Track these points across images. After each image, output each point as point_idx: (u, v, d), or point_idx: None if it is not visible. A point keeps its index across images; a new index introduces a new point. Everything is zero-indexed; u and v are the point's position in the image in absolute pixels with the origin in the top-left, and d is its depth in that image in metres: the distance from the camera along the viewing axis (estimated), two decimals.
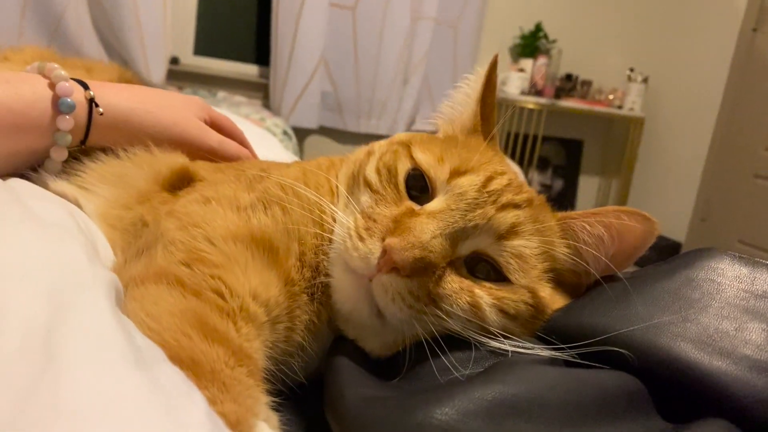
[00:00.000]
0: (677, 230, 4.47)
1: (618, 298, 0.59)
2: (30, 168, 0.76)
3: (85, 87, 0.76)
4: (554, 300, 0.64)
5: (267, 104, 4.18)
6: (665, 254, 0.66)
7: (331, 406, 0.55)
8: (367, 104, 4.28)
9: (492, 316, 0.61)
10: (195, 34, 4.22)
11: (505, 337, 0.60)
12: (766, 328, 0.53)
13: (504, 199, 0.64)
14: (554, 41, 4.63)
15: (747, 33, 4.18)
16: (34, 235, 0.48)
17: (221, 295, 0.56)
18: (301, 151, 3.98)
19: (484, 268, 0.63)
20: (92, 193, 0.76)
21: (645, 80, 4.72)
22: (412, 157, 0.69)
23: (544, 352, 0.58)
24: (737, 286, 0.57)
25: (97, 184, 0.77)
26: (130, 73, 1.27)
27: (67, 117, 0.73)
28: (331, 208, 0.68)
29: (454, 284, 0.61)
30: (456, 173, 0.66)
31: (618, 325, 0.55)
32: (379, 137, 0.81)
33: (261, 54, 4.32)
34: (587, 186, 5.26)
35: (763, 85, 4.04)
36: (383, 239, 0.60)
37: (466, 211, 0.63)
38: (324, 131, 4.33)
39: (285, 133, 3.35)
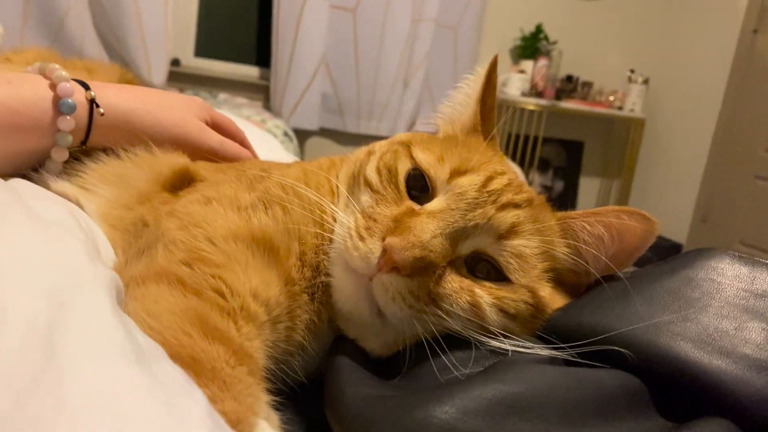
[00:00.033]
0: (678, 231, 4.47)
1: (618, 298, 0.59)
2: (31, 168, 0.76)
3: (86, 87, 0.77)
4: (554, 299, 0.64)
5: (268, 106, 4.18)
6: (666, 255, 0.66)
7: (332, 405, 0.56)
8: (368, 106, 4.28)
9: (492, 315, 0.61)
10: (196, 35, 4.22)
11: (506, 337, 0.60)
12: (766, 327, 0.53)
13: (504, 199, 0.64)
14: (555, 43, 4.63)
15: (747, 34, 4.18)
16: (35, 234, 0.48)
17: (222, 295, 0.56)
18: (301, 152, 3.98)
19: (485, 267, 0.63)
20: (93, 193, 0.76)
21: (645, 81, 4.72)
22: (412, 157, 0.69)
23: (544, 351, 0.58)
24: (737, 285, 0.57)
25: (98, 185, 0.77)
26: (131, 75, 1.27)
27: (68, 117, 0.73)
28: (332, 208, 0.68)
29: (455, 284, 0.61)
30: (456, 173, 0.66)
31: (618, 324, 0.55)
32: (379, 139, 0.82)
33: (262, 56, 4.33)
34: (588, 187, 5.26)
35: (763, 86, 4.04)
36: (383, 239, 0.60)
37: (467, 210, 0.63)
38: (325, 133, 4.33)
39: (286, 134, 3.36)
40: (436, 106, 0.83)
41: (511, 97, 4.47)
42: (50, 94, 0.73)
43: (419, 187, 0.68)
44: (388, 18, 4.11)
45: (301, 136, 4.10)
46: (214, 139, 0.91)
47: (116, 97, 0.80)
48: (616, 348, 0.53)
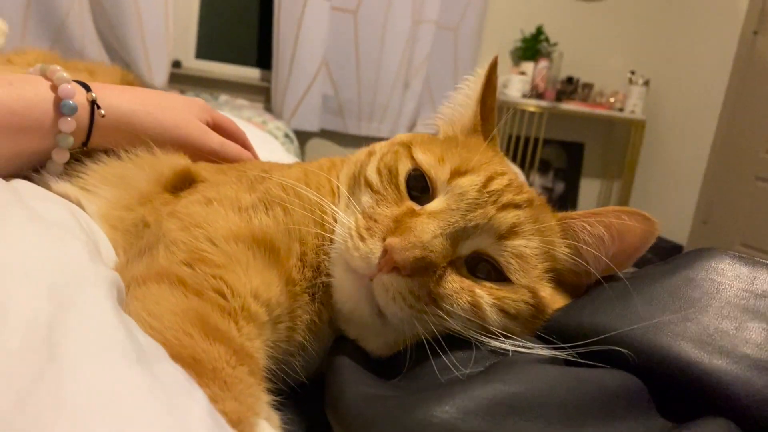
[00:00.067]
0: (679, 233, 4.47)
1: (618, 298, 0.59)
2: (32, 169, 0.76)
3: (87, 89, 0.77)
4: (555, 300, 0.64)
5: (269, 107, 4.19)
6: (667, 257, 0.66)
7: (332, 405, 0.56)
8: (369, 107, 4.29)
9: (492, 315, 0.61)
10: (197, 37, 4.23)
11: (506, 337, 0.60)
12: (766, 327, 0.53)
13: (504, 199, 0.65)
14: (555, 44, 4.63)
15: (748, 36, 4.18)
16: (36, 234, 0.49)
17: (223, 295, 0.56)
18: (302, 154, 3.98)
19: (485, 267, 0.64)
20: (94, 194, 0.76)
21: (646, 83, 4.72)
22: (412, 158, 0.70)
23: (544, 351, 0.58)
24: (737, 285, 0.57)
25: (99, 186, 0.77)
26: (132, 76, 1.27)
27: (69, 119, 0.73)
28: (332, 209, 0.68)
29: (455, 284, 0.61)
30: (456, 173, 0.66)
31: (618, 324, 0.55)
32: (380, 140, 0.82)
33: (263, 57, 4.33)
34: (588, 189, 5.26)
35: (764, 88, 4.04)
36: (384, 239, 0.60)
37: (467, 211, 0.63)
38: (325, 134, 4.33)
39: (287, 136, 3.36)
40: (437, 107, 0.83)
41: (511, 98, 4.47)
42: (51, 95, 0.73)
43: (420, 187, 0.68)
44: (388, 19, 4.11)
45: (302, 137, 4.10)
46: (215, 140, 0.91)
47: (117, 99, 0.80)
48: (617, 348, 0.53)
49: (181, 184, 0.77)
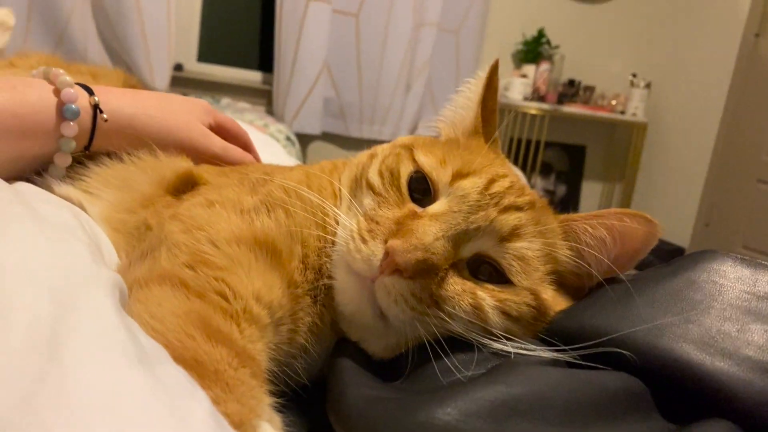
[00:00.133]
0: (681, 235, 4.46)
1: (620, 300, 0.59)
2: (35, 172, 0.76)
3: (90, 92, 0.77)
4: (556, 302, 0.65)
5: (270, 110, 4.19)
6: (668, 259, 0.66)
7: (334, 407, 0.56)
8: (370, 110, 4.29)
9: (494, 317, 0.61)
10: (199, 40, 4.24)
11: (508, 339, 0.60)
12: None
13: (506, 202, 0.65)
14: (557, 47, 4.63)
15: (750, 38, 4.18)
16: (39, 236, 0.49)
17: (225, 297, 0.56)
18: (304, 157, 3.98)
19: (487, 270, 0.64)
20: (96, 197, 0.76)
21: (648, 85, 4.72)
22: (414, 160, 0.70)
23: (546, 353, 0.58)
24: (739, 287, 0.57)
25: (102, 188, 0.77)
26: (134, 79, 1.27)
27: (72, 123, 0.73)
28: (334, 211, 0.69)
29: (457, 286, 0.61)
30: (458, 175, 0.66)
31: (620, 326, 0.55)
32: (381, 143, 0.82)
33: (264, 60, 4.33)
34: (590, 192, 5.25)
35: (765, 91, 4.04)
36: (386, 241, 0.61)
37: (469, 213, 0.63)
38: (327, 137, 4.33)
39: (288, 139, 3.36)
40: (438, 109, 0.84)
41: (513, 101, 4.47)
42: (54, 99, 0.73)
43: (421, 189, 0.68)
44: (390, 22, 4.11)
45: (304, 140, 4.11)
46: (217, 144, 0.91)
47: (120, 102, 0.80)
48: (619, 350, 0.53)
49: (184, 186, 0.77)
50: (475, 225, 0.62)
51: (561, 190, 5.10)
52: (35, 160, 0.75)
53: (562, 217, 0.70)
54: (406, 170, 0.69)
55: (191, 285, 0.56)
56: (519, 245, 0.63)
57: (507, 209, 0.64)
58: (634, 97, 4.71)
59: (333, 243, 0.67)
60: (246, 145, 1.03)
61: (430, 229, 0.61)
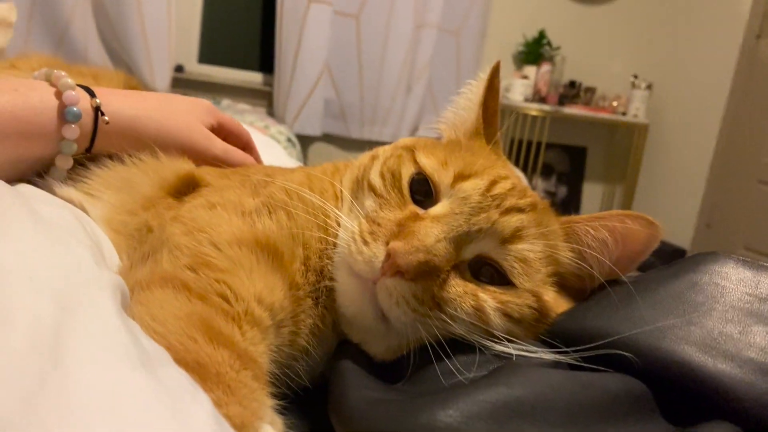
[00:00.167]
0: (682, 236, 4.46)
1: (622, 302, 0.59)
2: (36, 174, 0.76)
3: (92, 94, 0.77)
4: (558, 304, 0.64)
5: (271, 112, 4.20)
6: (670, 260, 0.66)
7: (336, 409, 0.56)
8: (371, 111, 4.29)
9: (496, 319, 0.61)
10: (199, 42, 4.24)
11: (510, 341, 0.60)
12: None
13: (508, 203, 0.65)
14: (558, 48, 4.64)
15: (751, 40, 4.18)
16: (41, 238, 0.49)
17: (226, 299, 0.56)
18: (305, 158, 3.99)
19: (488, 271, 0.64)
20: (98, 198, 0.76)
21: (649, 87, 4.72)
22: (416, 162, 0.70)
23: (548, 355, 0.58)
24: (741, 289, 0.57)
25: (103, 190, 0.77)
26: (135, 81, 1.27)
27: (73, 126, 0.73)
28: (336, 213, 0.69)
29: (458, 288, 0.61)
30: (460, 177, 0.66)
31: (622, 328, 0.55)
32: (382, 144, 0.82)
33: (265, 62, 4.34)
34: (591, 193, 5.25)
35: (766, 92, 4.04)
36: (387, 243, 0.60)
37: (470, 215, 0.63)
38: (328, 138, 4.34)
39: (289, 140, 3.37)
40: (439, 111, 0.84)
41: (514, 102, 4.47)
42: (56, 102, 0.73)
43: (423, 191, 0.68)
44: (391, 23, 4.12)
45: (305, 141, 4.11)
46: (219, 146, 0.91)
47: (121, 104, 0.80)
48: (620, 352, 0.53)
49: (185, 188, 0.77)
50: (476, 227, 0.62)
51: (562, 191, 5.10)
52: (36, 162, 0.75)
53: (564, 218, 0.70)
54: (407, 172, 0.69)
55: (193, 287, 0.56)
56: (521, 247, 0.63)
57: (509, 211, 0.64)
58: (635, 98, 4.71)
59: (334, 245, 0.67)
60: (248, 145, 1.03)
61: (432, 230, 0.61)
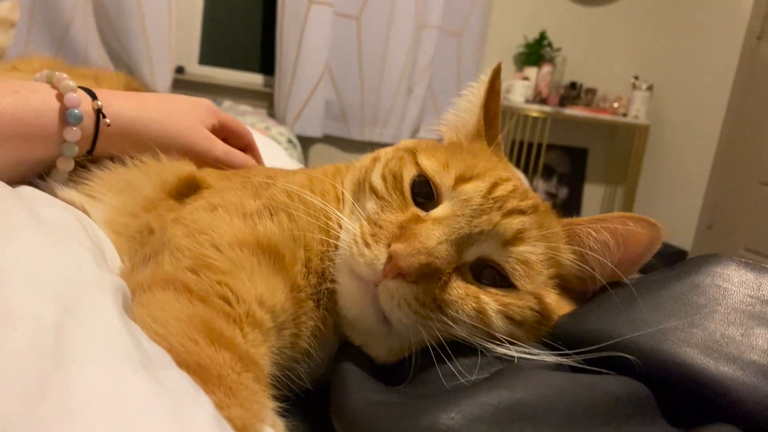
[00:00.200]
0: (683, 238, 4.46)
1: (624, 304, 0.59)
2: (37, 176, 0.76)
3: (93, 96, 0.77)
4: (560, 306, 0.64)
5: (272, 113, 4.20)
6: (671, 262, 0.66)
7: (337, 411, 0.56)
8: (372, 112, 4.29)
9: (498, 322, 0.61)
10: (200, 43, 4.25)
11: (511, 343, 0.60)
12: None
13: (509, 205, 0.64)
14: (558, 49, 4.64)
15: (751, 41, 4.18)
16: (43, 239, 0.49)
17: (228, 301, 0.56)
18: (306, 159, 3.99)
19: (490, 274, 0.63)
20: (99, 200, 0.76)
21: (649, 88, 4.72)
22: (417, 164, 0.70)
23: (550, 357, 0.58)
24: (743, 291, 0.57)
25: (104, 192, 0.77)
26: (136, 83, 1.27)
27: (74, 128, 0.73)
28: (337, 215, 0.69)
29: (460, 290, 0.61)
30: (461, 179, 0.66)
31: (624, 330, 0.55)
32: (383, 145, 0.82)
33: (266, 63, 4.35)
34: (592, 194, 5.25)
35: (767, 93, 4.03)
36: (389, 245, 0.60)
37: (472, 217, 0.63)
38: (328, 140, 4.34)
39: (290, 141, 3.37)
40: (440, 112, 0.84)
41: (514, 104, 4.47)
42: (57, 104, 0.73)
43: (424, 193, 0.68)
44: (391, 25, 4.12)
45: (305, 143, 4.11)
46: (220, 148, 0.91)
47: (123, 106, 0.80)
48: (623, 354, 0.53)
49: (186, 190, 0.77)
50: (478, 229, 0.62)
51: (563, 192, 5.11)
52: (38, 164, 0.75)
53: (566, 220, 0.70)
54: (409, 174, 0.69)
55: (194, 289, 0.56)
56: (522, 249, 0.63)
57: (510, 213, 0.64)
58: (636, 99, 4.72)
59: (336, 247, 0.67)
60: (250, 145, 1.03)
61: (434, 233, 0.61)
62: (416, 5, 4.12)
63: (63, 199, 0.74)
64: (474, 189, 0.65)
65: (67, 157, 0.75)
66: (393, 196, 0.68)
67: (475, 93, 0.79)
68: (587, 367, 0.55)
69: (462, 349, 0.60)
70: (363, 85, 4.23)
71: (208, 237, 0.62)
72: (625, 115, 4.77)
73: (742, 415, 0.48)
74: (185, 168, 0.81)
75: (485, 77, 0.77)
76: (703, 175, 4.49)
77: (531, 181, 4.52)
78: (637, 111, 4.72)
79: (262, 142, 1.60)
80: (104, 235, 0.71)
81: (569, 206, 5.02)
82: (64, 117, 0.72)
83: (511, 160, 4.24)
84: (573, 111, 4.63)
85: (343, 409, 0.54)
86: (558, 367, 0.57)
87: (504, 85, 4.35)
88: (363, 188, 0.71)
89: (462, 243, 0.62)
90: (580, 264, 0.66)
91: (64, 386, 0.35)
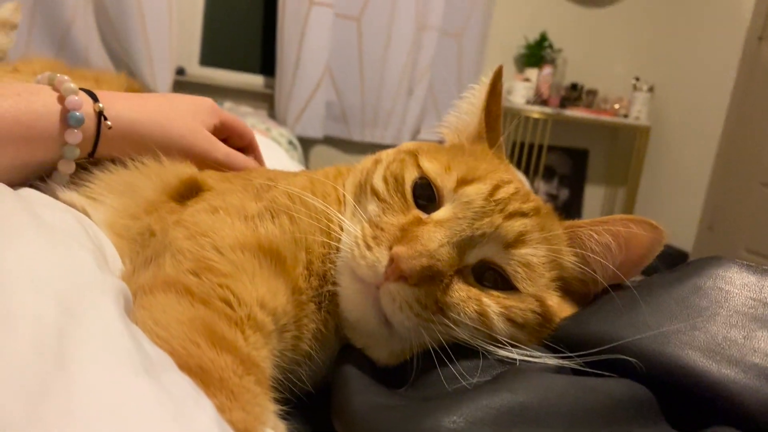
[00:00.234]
0: (684, 239, 4.46)
1: (626, 307, 0.59)
2: (38, 178, 0.76)
3: (95, 98, 0.77)
4: (562, 308, 0.64)
5: (272, 114, 4.20)
6: (672, 263, 0.66)
7: (339, 414, 0.56)
8: (372, 113, 4.29)
9: (500, 324, 0.61)
10: (201, 44, 4.25)
11: (513, 346, 0.60)
12: None
13: (511, 208, 0.64)
14: (559, 50, 4.64)
15: (753, 42, 4.18)
16: (44, 242, 0.49)
17: (229, 304, 0.56)
18: (306, 160, 3.99)
19: (492, 276, 0.63)
20: (100, 202, 0.76)
21: (650, 89, 4.72)
22: (419, 166, 0.70)
23: (551, 360, 0.58)
24: (745, 294, 0.57)
25: (106, 194, 0.77)
26: (137, 85, 1.27)
27: (76, 131, 0.73)
28: (339, 217, 0.68)
29: (462, 293, 0.61)
30: (463, 182, 0.66)
31: (626, 333, 0.55)
32: (384, 147, 0.82)
33: (266, 64, 4.35)
34: (593, 195, 5.25)
35: None
36: (390, 248, 0.60)
37: (474, 219, 0.63)
38: (329, 141, 4.34)
39: (290, 143, 3.37)
40: (441, 113, 0.84)
41: (515, 105, 4.47)
42: (59, 107, 0.73)
43: (426, 196, 0.68)
44: (392, 26, 4.12)
45: (306, 144, 4.11)
46: (221, 150, 0.91)
47: (124, 108, 0.80)
48: (625, 357, 0.53)
49: (188, 192, 0.77)
50: (480, 231, 0.62)
51: (564, 194, 5.10)
52: (39, 166, 0.75)
53: (567, 223, 0.69)
54: (410, 176, 0.69)
55: (195, 292, 0.56)
56: (524, 252, 0.63)
57: (512, 215, 0.64)
58: (637, 100, 4.72)
59: (337, 249, 0.67)
60: (251, 144, 1.03)
61: (435, 235, 0.60)
62: (417, 6, 4.12)
63: (64, 201, 0.74)
64: (476, 191, 0.65)
65: (69, 159, 0.75)
66: (394, 199, 0.68)
67: (476, 95, 0.79)
68: (589, 370, 0.55)
69: (464, 351, 0.60)
70: (363, 87, 4.23)
71: (210, 239, 0.62)
72: (626, 116, 4.77)
73: (744, 417, 0.48)
74: (186, 170, 0.81)
75: (486, 79, 0.77)
76: (704, 176, 4.49)
77: (532, 182, 4.52)
78: (638, 112, 4.72)
79: (262, 144, 1.60)
80: (105, 237, 0.71)
81: (570, 207, 5.02)
82: (66, 119, 0.72)
83: (511, 161, 4.23)
84: (574, 112, 4.63)
85: (345, 411, 0.54)
86: (560, 369, 0.57)
87: (505, 87, 4.32)
88: (364, 190, 0.71)
89: (464, 245, 0.62)
90: (582, 266, 0.66)
91: (66, 388, 0.35)
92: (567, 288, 0.66)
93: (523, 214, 0.65)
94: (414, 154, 0.72)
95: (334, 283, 0.66)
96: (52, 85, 0.75)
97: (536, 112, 4.46)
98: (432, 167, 0.68)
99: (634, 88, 4.74)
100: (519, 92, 4.52)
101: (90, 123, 0.75)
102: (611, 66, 4.95)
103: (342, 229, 0.68)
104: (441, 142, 0.83)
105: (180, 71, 4.03)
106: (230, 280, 0.58)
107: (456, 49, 4.42)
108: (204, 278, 0.58)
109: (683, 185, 4.71)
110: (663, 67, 4.85)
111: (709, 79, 4.52)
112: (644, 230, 0.63)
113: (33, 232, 0.50)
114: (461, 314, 0.60)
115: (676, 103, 4.81)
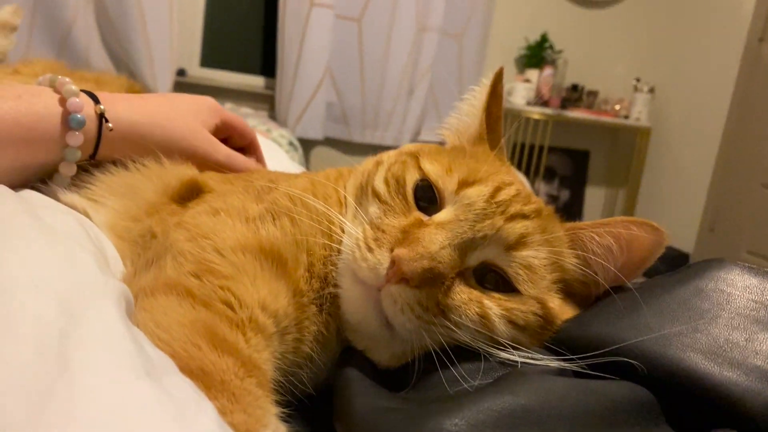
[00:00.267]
0: (685, 240, 4.45)
1: (627, 309, 0.59)
2: (40, 180, 0.76)
3: (96, 100, 0.77)
4: (563, 311, 0.64)
5: (273, 115, 4.20)
6: (673, 265, 0.66)
7: (340, 416, 0.56)
8: (373, 115, 4.30)
9: (501, 326, 0.61)
10: (201, 45, 4.26)
11: (515, 348, 0.59)
12: None
13: (512, 210, 0.64)
14: (560, 51, 4.64)
15: (753, 43, 4.18)
16: (46, 245, 0.49)
17: (230, 306, 0.56)
18: (307, 162, 3.99)
19: (493, 278, 0.63)
20: (101, 204, 0.76)
21: (651, 90, 4.72)
22: (420, 168, 0.70)
23: (553, 362, 0.58)
24: (747, 296, 0.57)
25: (107, 196, 0.77)
26: (138, 87, 1.27)
27: (77, 133, 0.73)
28: (340, 219, 0.68)
29: (463, 295, 0.61)
30: (464, 184, 0.66)
31: (627, 335, 0.55)
32: (384, 148, 0.82)
33: (267, 65, 4.35)
34: (594, 197, 5.25)
35: None
36: (392, 250, 0.60)
37: (475, 221, 0.63)
38: (330, 142, 4.34)
39: (291, 144, 3.37)
40: (441, 114, 0.84)
41: (516, 106, 4.47)
42: (60, 109, 0.72)
43: (427, 198, 0.68)
44: (392, 27, 4.13)
45: (306, 145, 4.11)
46: (222, 152, 0.90)
47: (125, 110, 0.79)
48: (626, 359, 0.53)
49: (189, 194, 0.77)
50: (481, 233, 0.62)
51: (564, 195, 5.10)
52: (40, 168, 0.74)
53: (569, 225, 0.69)
54: (411, 178, 0.69)
55: (197, 294, 0.56)
56: (525, 254, 0.63)
57: (513, 217, 0.64)
58: (638, 101, 4.72)
59: (339, 251, 0.67)
60: (252, 144, 1.03)
61: (436, 237, 0.60)
62: (417, 7, 4.13)
63: (65, 203, 0.74)
64: (477, 193, 0.65)
65: (70, 161, 0.75)
66: (396, 201, 0.68)
67: (477, 97, 0.79)
68: (591, 372, 0.55)
69: (465, 354, 0.59)
70: (364, 88, 4.23)
71: (211, 241, 0.62)
72: (626, 117, 4.77)
73: (746, 420, 0.48)
74: (187, 172, 0.81)
75: (487, 81, 0.77)
76: (705, 178, 4.49)
77: (532, 183, 4.52)
78: (639, 113, 4.72)
79: (263, 145, 1.60)
80: (107, 239, 0.71)
81: (571, 209, 5.02)
82: (67, 121, 0.72)
83: (512, 162, 4.24)
84: (574, 113, 4.63)
85: (347, 414, 0.54)
86: (561, 372, 0.56)
87: (505, 88, 4.32)
88: (366, 192, 0.71)
89: (465, 247, 0.62)
90: (584, 268, 0.66)
91: (67, 390, 0.35)
92: (568, 290, 0.66)
93: (524, 216, 0.65)
94: (415, 156, 0.72)
95: (336, 285, 0.66)
96: (54, 87, 0.75)
97: (537, 113, 4.46)
98: (433, 169, 0.68)
99: (635, 89, 4.74)
100: (520, 93, 4.52)
101: (91, 125, 0.75)
102: (612, 67, 4.96)
103: (343, 231, 0.68)
104: (442, 143, 0.83)
105: (181, 72, 4.04)
106: (231, 282, 0.58)
107: (456, 50, 4.42)
108: (205, 280, 0.58)
109: (684, 186, 4.71)
110: (664, 68, 4.85)
111: (710, 80, 4.52)
112: (645, 232, 0.63)
113: (34, 234, 0.50)
114: (463, 316, 0.60)
115: (676, 104, 4.81)
